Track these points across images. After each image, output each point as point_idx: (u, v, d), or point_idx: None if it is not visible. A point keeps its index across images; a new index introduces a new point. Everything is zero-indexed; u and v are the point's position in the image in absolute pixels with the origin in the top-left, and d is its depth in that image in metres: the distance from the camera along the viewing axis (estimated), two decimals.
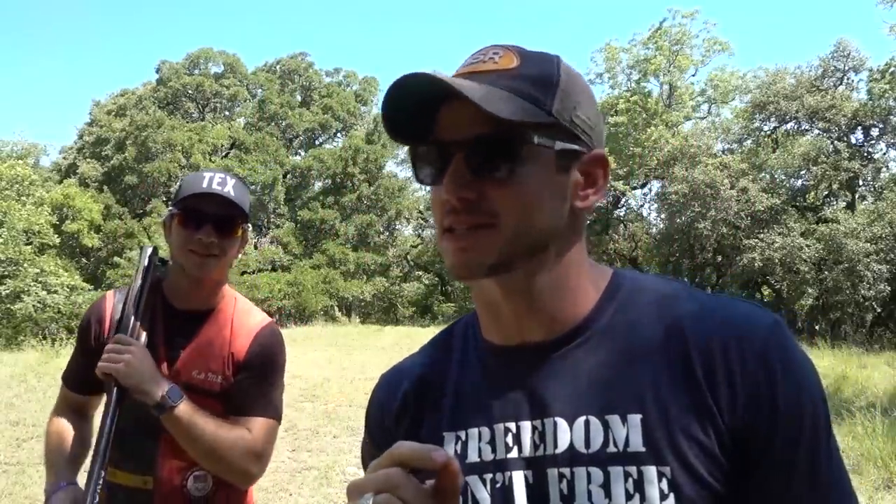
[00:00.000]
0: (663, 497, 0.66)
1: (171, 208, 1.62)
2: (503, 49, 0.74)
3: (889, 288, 18.51)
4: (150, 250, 1.64)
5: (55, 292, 18.36)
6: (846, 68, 22.67)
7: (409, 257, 33.28)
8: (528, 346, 0.77)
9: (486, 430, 0.76)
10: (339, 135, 37.03)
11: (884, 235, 18.62)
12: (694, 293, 0.77)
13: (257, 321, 1.70)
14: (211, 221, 1.56)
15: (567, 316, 0.76)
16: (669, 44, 28.11)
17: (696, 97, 29.41)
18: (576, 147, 0.74)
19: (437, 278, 33.54)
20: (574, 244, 0.77)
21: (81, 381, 1.67)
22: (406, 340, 18.21)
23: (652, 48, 28.34)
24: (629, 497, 0.67)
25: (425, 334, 20.04)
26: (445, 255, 0.74)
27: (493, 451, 0.75)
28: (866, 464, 5.80)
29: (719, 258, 22.60)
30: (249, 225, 1.70)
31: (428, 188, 0.78)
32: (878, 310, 19.30)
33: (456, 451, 0.76)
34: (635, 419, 0.69)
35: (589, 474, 0.69)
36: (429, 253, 31.76)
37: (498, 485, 0.73)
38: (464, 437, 0.77)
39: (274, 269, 30.41)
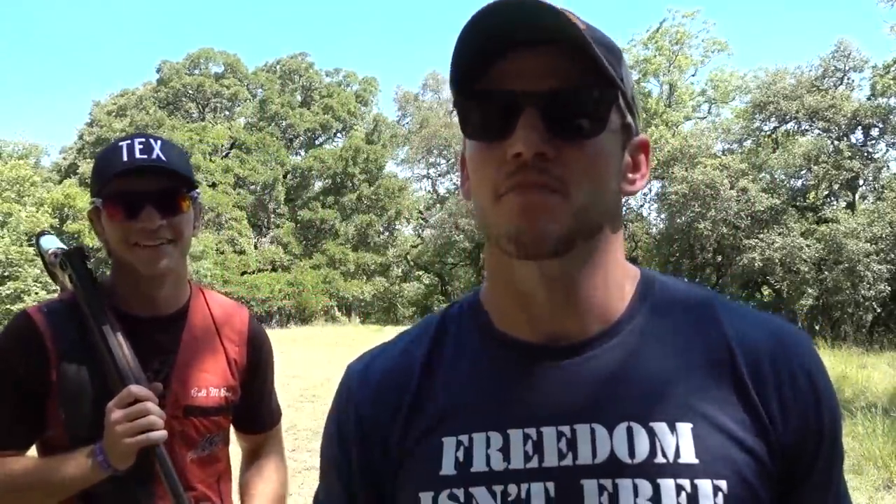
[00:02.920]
0: None
1: (93, 199, 1.27)
2: (562, 10, 0.62)
3: (889, 288, 18.50)
4: (74, 252, 1.32)
5: (56, 292, 18.38)
6: (846, 68, 22.67)
7: (409, 257, 33.27)
8: (558, 343, 0.68)
9: (496, 436, 0.66)
10: (339, 135, 37.05)
11: (884, 235, 18.61)
12: (727, 302, 0.72)
13: (240, 316, 1.47)
14: (149, 201, 1.22)
15: (602, 313, 0.68)
16: (669, 44, 28.12)
17: (696, 97, 29.45)
18: (632, 125, 0.68)
19: (437, 278, 33.55)
20: (619, 233, 0.70)
21: (16, 436, 1.26)
22: None
23: (652, 48, 28.35)
24: None
25: None
26: (502, 219, 0.63)
27: (506, 459, 0.65)
28: (866, 464, 5.80)
29: (719, 258, 22.60)
30: (199, 192, 1.34)
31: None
32: (878, 310, 19.28)
33: (458, 459, 0.66)
34: (685, 428, 0.62)
35: (636, 486, 0.61)
36: (429, 253, 31.75)
37: (510, 498, 0.63)
38: (467, 443, 0.66)
39: (274, 269, 30.42)
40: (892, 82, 20.98)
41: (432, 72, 34.89)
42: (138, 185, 1.22)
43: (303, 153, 36.61)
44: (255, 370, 1.46)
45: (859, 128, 21.99)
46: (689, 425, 0.62)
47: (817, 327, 20.33)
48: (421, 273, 34.15)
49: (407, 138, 34.54)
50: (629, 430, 0.63)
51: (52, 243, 1.43)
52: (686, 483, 0.60)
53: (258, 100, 35.96)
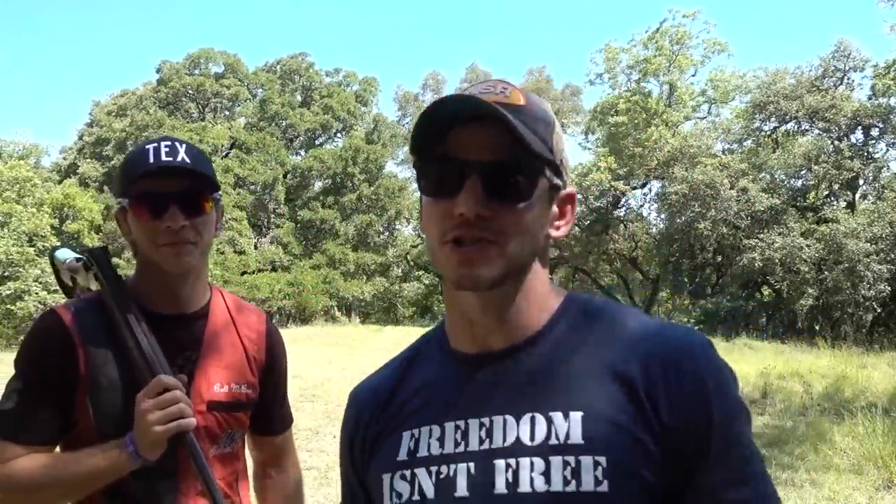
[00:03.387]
0: (598, 483, 0.74)
1: (120, 200, 1.31)
2: (509, 85, 0.83)
3: (889, 288, 18.51)
4: (98, 251, 1.37)
5: (56, 292, 18.39)
6: (846, 68, 22.68)
7: (409, 257, 33.29)
8: (489, 353, 0.85)
9: (436, 429, 0.84)
10: (339, 135, 37.06)
11: (884, 235, 18.62)
12: (640, 316, 0.87)
13: (257, 316, 1.51)
14: (175, 202, 1.26)
15: (526, 329, 0.84)
16: (669, 44, 28.12)
17: (696, 97, 29.44)
18: (559, 183, 0.84)
19: (437, 278, 33.53)
20: (544, 267, 0.87)
21: (40, 433, 1.27)
22: (406, 340, 18.03)
23: (652, 48, 28.34)
24: (566, 483, 0.74)
25: None
26: (448, 264, 0.79)
27: (441, 446, 0.82)
28: (866, 464, 5.80)
29: (719, 258, 22.61)
30: (220, 194, 1.39)
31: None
32: (878, 310, 19.29)
33: (409, 447, 0.85)
34: (577, 416, 0.77)
35: (532, 463, 0.76)
36: (428, 253, 31.76)
37: (442, 476, 0.81)
38: (417, 435, 0.85)
39: (274, 269, 30.43)
40: (892, 83, 20.98)
41: (432, 72, 34.94)
42: (163, 186, 1.27)
43: (303, 153, 36.62)
44: (273, 370, 1.49)
45: (859, 128, 22.01)
46: (581, 413, 0.77)
47: (817, 327, 20.34)
48: (421, 273, 34.16)
49: (407, 138, 34.50)
50: (532, 419, 0.79)
51: (67, 254, 1.45)
52: (571, 459, 0.75)
53: (258, 100, 35.97)
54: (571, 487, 0.74)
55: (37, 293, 17.79)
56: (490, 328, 0.84)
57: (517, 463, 0.77)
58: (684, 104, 29.08)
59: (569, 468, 0.75)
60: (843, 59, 22.34)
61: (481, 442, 0.80)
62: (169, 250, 1.28)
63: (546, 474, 0.75)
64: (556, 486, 0.75)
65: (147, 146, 1.30)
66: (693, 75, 29.56)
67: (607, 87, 29.66)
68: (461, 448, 0.81)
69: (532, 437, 0.78)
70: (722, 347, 11.52)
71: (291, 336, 20.48)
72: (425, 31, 73.26)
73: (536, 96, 0.85)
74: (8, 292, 17.44)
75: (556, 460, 0.75)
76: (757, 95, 23.15)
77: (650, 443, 0.75)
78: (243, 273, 28.44)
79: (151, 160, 1.26)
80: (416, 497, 0.82)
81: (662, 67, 28.30)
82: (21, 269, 17.94)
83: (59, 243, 21.09)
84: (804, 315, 20.82)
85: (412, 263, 33.47)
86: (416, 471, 0.83)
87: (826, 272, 19.18)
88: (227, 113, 36.42)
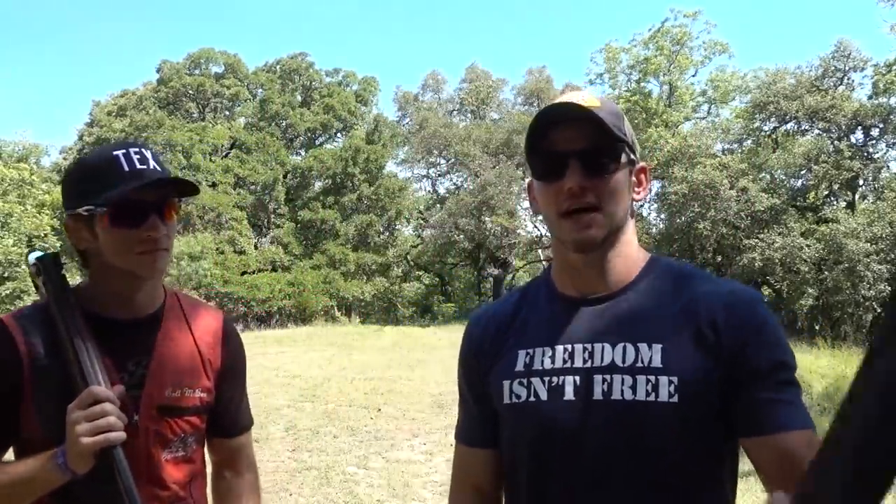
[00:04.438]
0: (670, 396, 0.99)
1: (89, 207, 1.28)
2: (587, 93, 1.10)
3: (889, 288, 18.49)
4: (47, 258, 1.35)
5: None
6: (846, 68, 22.66)
7: (409, 257, 33.27)
8: (591, 297, 1.11)
9: (548, 349, 1.10)
10: (339, 135, 37.05)
11: (884, 235, 18.61)
12: (706, 275, 1.13)
13: (214, 316, 1.50)
14: (154, 211, 1.29)
15: (621, 279, 1.11)
16: (670, 44, 28.12)
17: (697, 97, 29.43)
18: (635, 159, 1.12)
19: (437, 278, 33.56)
20: (632, 227, 1.14)
21: None
22: (406, 340, 18.19)
23: (652, 48, 28.35)
24: (648, 395, 1.00)
25: (425, 334, 20.04)
26: (568, 231, 1.06)
27: (553, 362, 1.08)
28: None
29: (719, 258, 22.59)
30: (181, 201, 1.41)
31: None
32: (878, 310, 19.27)
33: (525, 362, 1.11)
34: (658, 346, 1.02)
35: (623, 379, 1.02)
36: (429, 253, 31.72)
37: (553, 384, 1.07)
38: (532, 353, 1.11)
39: (274, 270, 30.41)
40: (895, 79, 20.93)
41: (432, 72, 34.82)
42: (142, 195, 1.28)
43: (303, 153, 36.59)
44: (230, 372, 1.48)
45: (859, 128, 21.99)
46: (661, 345, 1.02)
47: (817, 327, 20.33)
48: (421, 273, 34.14)
49: (407, 138, 34.53)
50: (624, 347, 1.04)
51: (34, 256, 1.46)
52: (653, 377, 1.01)
53: (258, 100, 35.93)
54: (651, 398, 1.00)
55: (36, 293, 17.83)
56: (592, 278, 1.10)
57: (612, 378, 1.03)
58: (684, 104, 29.09)
59: (650, 384, 1.00)
60: (843, 59, 22.33)
61: (584, 361, 1.06)
62: (147, 258, 1.29)
63: (633, 388, 1.01)
64: (640, 396, 1.00)
65: (114, 152, 1.30)
66: (693, 75, 29.57)
67: (607, 87, 29.65)
68: (569, 364, 1.07)
69: (624, 360, 1.03)
70: None
71: (291, 336, 20.49)
72: (425, 31, 73.27)
73: (607, 99, 1.12)
74: (7, 292, 17.44)
75: (641, 378, 1.01)
76: (757, 95, 23.13)
77: (713, 368, 1.00)
78: (243, 273, 28.41)
79: (126, 168, 1.27)
80: (531, 399, 1.08)
81: (663, 67, 28.30)
82: (20, 270, 17.95)
83: (59, 243, 21.15)
84: (804, 315, 20.81)
85: (412, 263, 33.44)
86: (531, 379, 1.09)
87: (826, 272, 19.18)
88: (227, 113, 36.39)
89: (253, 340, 15.69)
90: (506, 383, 1.11)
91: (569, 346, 1.08)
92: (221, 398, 1.46)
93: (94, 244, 1.32)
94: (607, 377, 1.03)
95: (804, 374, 10.48)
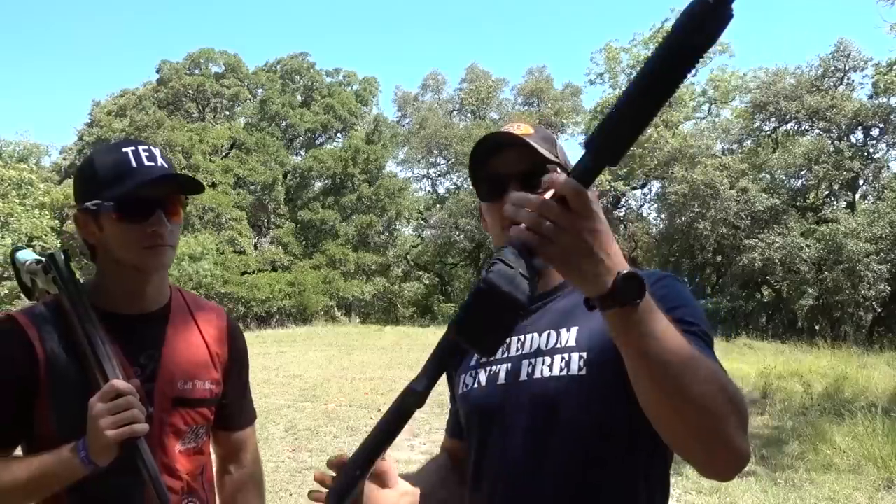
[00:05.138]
0: (580, 370, 1.11)
1: (96, 202, 1.31)
2: (523, 123, 1.24)
3: (889, 288, 18.50)
4: (62, 256, 1.38)
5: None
6: (847, 68, 22.66)
7: (409, 257, 33.27)
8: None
9: None
10: (339, 135, 37.05)
11: (884, 235, 18.61)
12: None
13: (217, 314, 1.54)
14: (160, 207, 1.32)
15: (553, 282, 1.24)
16: None
17: (697, 97, 29.42)
18: None
19: (437, 278, 33.55)
20: None
21: (3, 435, 1.30)
22: (406, 340, 18.20)
23: (653, 48, 28.31)
24: (562, 370, 1.12)
25: (425, 334, 20.04)
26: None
27: (497, 354, 1.19)
28: (866, 464, 5.80)
29: (719, 258, 22.61)
30: (188, 198, 1.43)
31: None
32: (878, 310, 19.29)
33: (476, 358, 1.26)
34: (574, 329, 1.15)
35: (543, 360, 1.15)
36: (429, 253, 31.73)
37: (491, 372, 1.22)
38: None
39: (274, 270, 30.41)
40: (895, 79, 20.92)
41: (432, 72, 34.86)
42: (149, 191, 1.30)
43: (303, 153, 36.59)
44: (235, 366, 1.53)
45: (860, 128, 22.00)
46: (577, 328, 1.15)
47: (817, 327, 20.33)
48: (421, 273, 34.14)
49: (407, 138, 34.52)
50: (548, 333, 1.17)
51: (28, 256, 1.48)
52: (566, 355, 1.13)
53: (258, 100, 35.92)
54: (563, 373, 1.12)
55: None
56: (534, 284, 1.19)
57: (535, 360, 1.16)
58: (684, 104, 29.07)
59: (563, 361, 1.13)
60: (843, 59, 22.33)
61: (517, 350, 1.20)
62: (150, 252, 1.32)
63: (550, 366, 1.14)
64: (556, 372, 1.12)
65: (124, 149, 1.33)
66: (693, 75, 29.53)
67: (608, 87, 29.66)
68: (504, 354, 1.21)
69: (546, 344, 1.16)
70: (722, 347, 11.50)
71: (291, 336, 20.51)
72: (425, 31, 73.25)
73: (540, 126, 1.28)
74: (5, 292, 17.44)
75: (557, 357, 1.14)
76: (757, 95, 23.14)
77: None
78: (243, 273, 28.41)
79: (134, 164, 1.30)
80: (475, 386, 1.23)
81: None
82: None
83: (59, 244, 21.15)
84: (804, 315, 20.79)
85: (412, 263, 33.45)
86: (478, 370, 1.24)
87: (826, 272, 19.18)
88: (227, 113, 36.39)
89: (253, 340, 15.66)
90: (462, 377, 1.27)
91: (511, 339, 1.21)
92: (227, 392, 1.49)
93: (101, 239, 1.35)
94: (532, 360, 1.16)
95: (804, 373, 10.48)
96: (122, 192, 1.29)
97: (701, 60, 0.80)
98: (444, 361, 0.83)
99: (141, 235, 1.31)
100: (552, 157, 1.18)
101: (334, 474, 1.01)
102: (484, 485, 1.19)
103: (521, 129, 1.21)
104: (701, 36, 0.74)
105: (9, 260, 1.54)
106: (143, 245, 1.31)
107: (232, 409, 1.53)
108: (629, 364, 0.90)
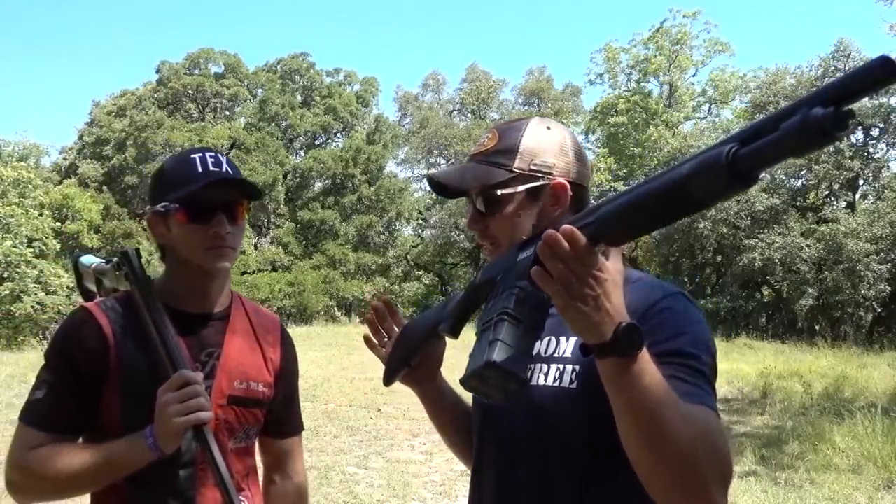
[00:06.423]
0: (571, 382, 1.10)
1: (165, 203, 1.39)
2: (492, 131, 1.20)
3: (889, 288, 18.49)
4: (131, 252, 1.44)
5: (55, 293, 18.39)
6: (847, 68, 22.62)
7: (409, 257, 33.28)
8: None
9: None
10: (339, 135, 37.04)
11: (884, 235, 18.60)
12: (635, 277, 1.15)
13: (272, 319, 1.62)
14: (222, 210, 1.39)
15: None
16: (670, 44, 28.13)
17: (697, 97, 29.45)
18: (537, 184, 1.14)
19: (437, 278, 33.54)
20: None
21: (67, 422, 1.34)
22: None
23: (652, 48, 28.35)
24: (556, 381, 1.12)
25: None
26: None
27: None
28: (866, 464, 5.80)
29: (719, 258, 22.59)
30: (252, 203, 1.52)
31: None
32: (878, 310, 19.27)
33: None
34: (573, 339, 1.13)
35: (541, 367, 1.15)
36: (429, 253, 31.74)
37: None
38: None
39: (274, 270, 30.42)
40: None
41: (432, 72, 34.90)
42: (212, 195, 1.38)
43: (303, 154, 36.58)
44: (286, 372, 1.57)
45: (860, 128, 21.98)
46: (575, 338, 1.12)
47: (817, 327, 20.32)
48: (421, 273, 34.14)
49: (407, 138, 34.53)
50: (549, 340, 1.16)
51: (93, 259, 1.57)
52: (562, 366, 1.12)
53: (258, 100, 35.90)
54: (557, 384, 1.11)
55: (35, 293, 17.78)
56: None
57: (535, 367, 1.14)
58: (684, 104, 29.10)
59: (558, 371, 1.12)
60: (843, 59, 22.32)
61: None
62: (213, 253, 1.39)
63: (546, 374, 1.13)
64: (550, 382, 1.12)
65: (192, 156, 1.41)
66: (693, 75, 29.60)
67: (607, 87, 29.70)
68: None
69: (546, 352, 1.15)
70: (722, 347, 11.51)
71: (291, 336, 20.44)
72: (425, 31, 73.23)
73: (520, 123, 1.18)
74: (6, 293, 17.43)
75: (553, 366, 1.13)
76: (757, 95, 23.13)
77: None
78: (243, 273, 28.42)
79: (200, 169, 1.39)
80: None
81: (663, 67, 28.31)
82: (19, 271, 17.93)
83: (58, 244, 21.16)
84: (804, 315, 20.77)
85: (412, 264, 33.45)
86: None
87: (826, 272, 19.17)
88: (227, 113, 36.37)
89: None
90: None
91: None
92: (278, 396, 1.53)
93: (169, 239, 1.42)
94: (532, 366, 1.14)
95: (804, 373, 10.49)
96: (187, 195, 1.36)
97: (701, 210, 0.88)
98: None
99: (203, 236, 1.37)
100: (497, 178, 1.14)
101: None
102: (485, 474, 1.23)
103: (486, 140, 1.19)
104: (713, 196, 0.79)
105: (72, 267, 1.62)
106: (206, 246, 1.38)
107: (280, 415, 1.56)
108: (615, 408, 0.90)
